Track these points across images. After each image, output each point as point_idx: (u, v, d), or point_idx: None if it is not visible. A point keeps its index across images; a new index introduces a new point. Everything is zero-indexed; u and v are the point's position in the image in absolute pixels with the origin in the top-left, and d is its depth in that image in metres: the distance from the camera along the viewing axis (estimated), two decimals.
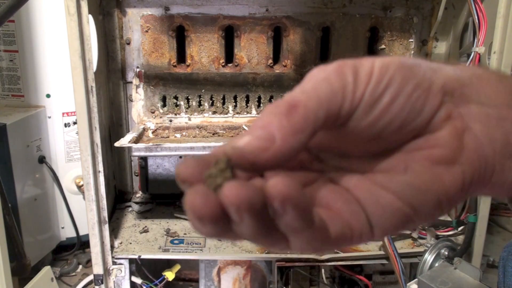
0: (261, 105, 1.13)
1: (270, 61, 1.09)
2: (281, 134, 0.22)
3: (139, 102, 1.11)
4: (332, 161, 0.28)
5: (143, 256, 0.98)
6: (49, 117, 1.31)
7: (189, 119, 1.13)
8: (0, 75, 1.29)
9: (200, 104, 1.13)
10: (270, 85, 1.12)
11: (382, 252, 0.98)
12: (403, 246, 1.02)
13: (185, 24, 1.06)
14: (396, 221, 0.24)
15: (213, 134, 1.11)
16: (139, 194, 1.19)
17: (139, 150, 0.93)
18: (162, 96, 1.12)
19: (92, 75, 0.83)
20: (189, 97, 1.12)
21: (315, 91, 0.23)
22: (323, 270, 1.09)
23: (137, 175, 1.18)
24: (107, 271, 0.95)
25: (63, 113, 1.32)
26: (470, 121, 0.25)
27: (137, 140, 0.98)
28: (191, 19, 1.06)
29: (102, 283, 0.94)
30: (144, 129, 1.08)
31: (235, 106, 1.13)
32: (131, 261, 0.99)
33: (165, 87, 1.11)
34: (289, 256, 0.97)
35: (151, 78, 1.10)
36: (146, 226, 1.08)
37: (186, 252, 0.99)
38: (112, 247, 0.96)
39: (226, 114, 1.14)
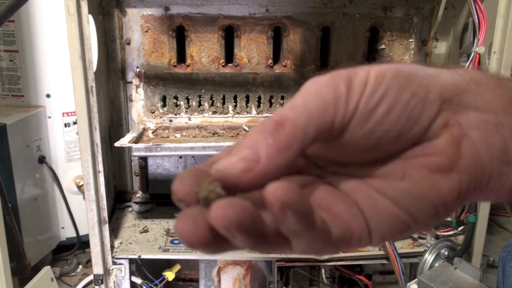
0: (261, 105, 1.13)
1: (270, 61, 1.09)
2: (266, 153, 0.22)
3: (139, 102, 1.11)
4: (330, 167, 0.28)
5: (143, 256, 0.98)
6: (49, 117, 1.31)
7: (189, 119, 1.13)
8: (0, 75, 1.29)
9: (200, 104, 1.13)
10: (270, 85, 1.12)
11: (382, 252, 0.98)
12: (403, 246, 1.02)
13: (185, 24, 1.06)
14: (393, 228, 0.24)
15: (213, 134, 1.11)
16: (139, 194, 1.19)
17: (139, 150, 0.93)
18: (162, 96, 1.12)
19: (92, 75, 0.83)
20: (189, 97, 1.12)
21: (305, 106, 0.23)
22: (323, 270, 1.09)
23: (137, 175, 1.18)
24: (107, 271, 0.95)
25: (63, 113, 1.32)
26: (468, 128, 0.25)
27: (137, 140, 0.98)
28: (191, 19, 1.06)
29: (102, 283, 0.94)
30: (144, 129, 1.08)
31: (235, 106, 1.13)
32: (131, 261, 0.99)
33: (165, 87, 1.11)
34: (289, 256, 0.97)
35: (151, 78, 1.10)
36: (146, 226, 1.08)
37: (186, 252, 0.99)
38: (112, 247, 0.96)
39: (226, 114, 1.14)
